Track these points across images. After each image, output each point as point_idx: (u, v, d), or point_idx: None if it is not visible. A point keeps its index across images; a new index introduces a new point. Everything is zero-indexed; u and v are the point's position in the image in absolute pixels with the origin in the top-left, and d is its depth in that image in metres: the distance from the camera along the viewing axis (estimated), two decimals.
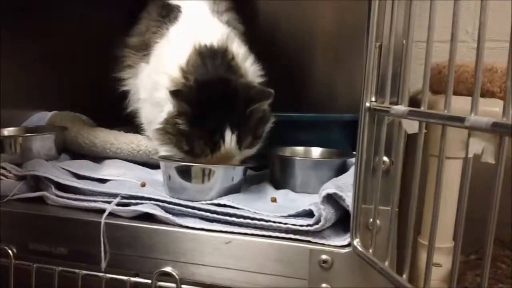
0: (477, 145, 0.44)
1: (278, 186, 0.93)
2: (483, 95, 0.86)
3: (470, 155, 0.45)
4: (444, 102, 0.49)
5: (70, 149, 1.11)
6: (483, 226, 0.43)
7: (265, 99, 0.86)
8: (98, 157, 1.08)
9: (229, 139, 0.83)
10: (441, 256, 0.78)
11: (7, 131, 1.11)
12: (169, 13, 0.98)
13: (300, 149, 1.03)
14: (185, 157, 0.86)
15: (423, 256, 0.82)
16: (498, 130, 0.41)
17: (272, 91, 0.86)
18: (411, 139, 0.56)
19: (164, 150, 0.89)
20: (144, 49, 1.02)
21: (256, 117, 0.87)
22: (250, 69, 0.95)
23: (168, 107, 0.86)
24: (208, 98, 0.83)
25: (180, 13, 0.98)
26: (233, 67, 0.91)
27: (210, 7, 1.02)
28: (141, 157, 1.04)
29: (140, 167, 1.04)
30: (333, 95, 1.33)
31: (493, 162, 0.42)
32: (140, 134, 1.07)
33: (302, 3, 1.33)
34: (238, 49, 0.94)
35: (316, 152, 1.02)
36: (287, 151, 1.01)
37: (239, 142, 0.85)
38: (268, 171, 0.98)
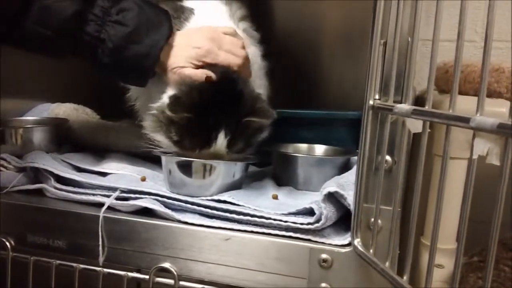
0: (482, 146, 0.43)
1: (280, 183, 0.92)
2: (490, 95, 0.85)
3: (475, 156, 0.44)
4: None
5: (71, 141, 1.10)
6: (487, 228, 0.42)
7: (265, 119, 0.85)
8: (99, 150, 1.07)
9: (221, 141, 0.82)
10: (443, 257, 0.77)
11: (9, 122, 1.10)
12: (181, 15, 0.97)
13: (303, 146, 1.02)
14: (171, 147, 0.85)
15: (425, 257, 0.81)
16: (503, 131, 0.40)
17: (274, 113, 0.85)
18: (416, 138, 0.55)
19: (153, 136, 0.88)
20: None
21: (253, 127, 0.85)
22: (257, 79, 0.95)
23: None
24: (211, 97, 0.81)
25: (192, 15, 0.96)
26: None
27: (228, 12, 1.00)
28: (142, 151, 1.03)
29: (142, 161, 1.03)
30: (341, 92, 1.32)
31: (498, 163, 0.41)
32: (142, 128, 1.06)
33: (310, 2, 1.32)
34: (250, 58, 0.92)
35: (319, 149, 1.02)
36: (291, 148, 1.01)
37: (230, 146, 0.83)
38: (271, 167, 0.97)
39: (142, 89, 0.94)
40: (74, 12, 0.78)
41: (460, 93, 0.85)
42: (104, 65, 0.81)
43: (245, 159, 0.88)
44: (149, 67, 0.83)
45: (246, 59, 0.88)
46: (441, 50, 0.53)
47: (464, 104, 0.50)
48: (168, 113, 0.80)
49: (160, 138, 0.85)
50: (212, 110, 0.81)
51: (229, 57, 0.85)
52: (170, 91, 0.84)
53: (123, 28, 0.80)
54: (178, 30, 0.91)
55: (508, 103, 0.79)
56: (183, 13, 0.96)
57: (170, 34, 0.84)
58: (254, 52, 0.97)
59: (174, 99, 0.81)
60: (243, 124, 0.83)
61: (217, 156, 0.83)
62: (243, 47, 0.89)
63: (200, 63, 0.83)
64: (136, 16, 0.81)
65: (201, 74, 0.82)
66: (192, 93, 0.81)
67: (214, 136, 0.81)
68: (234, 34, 0.89)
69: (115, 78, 0.89)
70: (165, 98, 0.84)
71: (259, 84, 0.95)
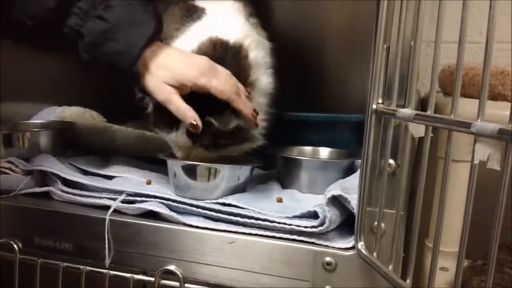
0: (483, 151, 0.43)
1: (284, 186, 0.92)
2: (494, 98, 0.85)
3: (476, 161, 0.44)
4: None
5: (78, 145, 1.11)
6: (491, 232, 0.42)
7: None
8: (105, 153, 1.08)
9: (182, 130, 0.81)
10: (448, 260, 0.77)
11: (16, 126, 1.11)
12: (193, 14, 0.96)
13: (308, 149, 1.02)
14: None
15: (430, 260, 0.81)
16: (504, 137, 0.40)
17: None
18: (421, 141, 0.56)
19: None
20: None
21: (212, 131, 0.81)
22: (262, 76, 0.93)
23: None
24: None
25: (204, 14, 0.96)
26: (244, 69, 0.87)
27: (240, 11, 1.00)
28: (147, 154, 1.04)
29: (147, 164, 1.03)
30: (345, 95, 1.32)
31: (499, 169, 0.41)
32: (148, 131, 1.06)
33: (314, 3, 1.32)
34: (256, 52, 0.91)
35: (324, 152, 1.02)
36: (295, 150, 1.01)
37: (195, 140, 0.82)
38: (275, 170, 0.98)
39: None
40: (58, 2, 0.76)
41: (465, 95, 0.86)
42: (85, 61, 0.79)
43: (250, 162, 0.88)
44: (127, 67, 0.78)
45: (240, 93, 0.82)
46: (447, 51, 0.53)
47: (468, 108, 0.50)
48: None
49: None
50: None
51: (221, 85, 0.78)
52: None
53: (102, 24, 0.77)
54: (190, 27, 0.91)
55: None
56: (196, 12, 0.96)
57: (155, 35, 0.80)
58: (262, 47, 0.95)
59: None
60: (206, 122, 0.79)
61: (182, 146, 0.84)
62: (236, 84, 0.83)
63: (190, 85, 0.78)
64: (118, 12, 0.78)
65: (189, 116, 0.77)
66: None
67: (176, 125, 0.81)
68: (230, 75, 0.82)
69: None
70: None
71: (265, 83, 0.95)
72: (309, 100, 1.29)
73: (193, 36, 0.90)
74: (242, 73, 0.86)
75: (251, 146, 0.88)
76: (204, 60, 0.80)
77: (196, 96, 0.78)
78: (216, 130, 0.80)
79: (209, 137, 0.81)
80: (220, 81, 0.78)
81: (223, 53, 0.85)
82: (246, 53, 0.88)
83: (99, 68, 0.83)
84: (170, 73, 0.78)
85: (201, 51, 0.85)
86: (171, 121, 0.80)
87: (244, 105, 0.80)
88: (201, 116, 0.77)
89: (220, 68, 0.80)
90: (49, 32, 0.79)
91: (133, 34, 0.78)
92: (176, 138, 0.82)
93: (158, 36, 0.81)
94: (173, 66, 0.79)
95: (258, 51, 0.92)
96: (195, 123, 0.76)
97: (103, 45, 0.77)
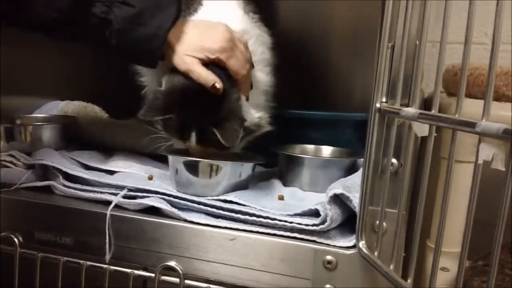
0: (487, 151, 0.43)
1: (286, 184, 0.92)
2: (498, 99, 0.85)
3: (480, 161, 0.44)
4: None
5: (80, 139, 1.11)
6: (493, 232, 0.42)
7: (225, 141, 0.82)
8: (107, 148, 1.08)
9: (194, 139, 0.83)
10: (449, 261, 0.77)
11: (18, 120, 1.11)
12: (190, 6, 0.96)
13: (310, 147, 1.02)
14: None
15: (431, 260, 0.80)
16: (509, 137, 0.39)
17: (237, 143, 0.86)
18: (425, 141, 0.55)
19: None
20: None
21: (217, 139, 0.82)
22: (261, 73, 0.94)
23: None
24: (188, 99, 0.81)
25: (201, 6, 0.96)
26: None
27: (240, 5, 1.00)
28: (149, 150, 1.04)
29: (149, 159, 1.03)
30: (348, 94, 1.31)
31: (503, 169, 0.41)
32: (149, 126, 1.06)
33: (319, 1, 1.32)
34: (254, 49, 0.92)
35: (326, 151, 1.02)
36: (297, 149, 1.01)
37: (202, 146, 0.84)
38: (277, 168, 0.98)
39: (153, 78, 0.94)
40: None
41: (469, 96, 0.85)
42: (112, 47, 0.80)
43: (252, 159, 0.88)
44: (156, 49, 0.81)
45: (249, 74, 0.88)
46: (451, 52, 0.52)
47: (472, 108, 0.50)
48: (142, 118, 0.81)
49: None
50: (187, 112, 0.81)
51: (237, 65, 0.84)
52: (164, 81, 0.84)
53: (129, 9, 0.79)
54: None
55: None
56: (192, 5, 0.96)
57: (178, 15, 0.82)
58: (261, 44, 0.96)
59: (147, 107, 0.82)
60: (213, 132, 0.81)
61: (196, 150, 0.84)
62: (250, 61, 0.88)
63: (212, 57, 0.82)
64: None
65: (211, 79, 0.80)
66: (168, 97, 0.81)
67: (187, 135, 0.82)
68: (246, 46, 0.88)
69: (123, 59, 0.88)
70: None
71: (263, 80, 0.95)
72: (312, 98, 1.29)
73: None
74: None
75: (261, 132, 0.89)
76: (224, 34, 0.83)
77: (204, 106, 0.81)
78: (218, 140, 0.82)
79: (217, 142, 0.82)
80: (237, 62, 0.84)
81: None
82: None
83: (123, 55, 0.85)
84: (191, 47, 0.82)
85: None
86: (182, 131, 0.82)
87: (245, 90, 0.87)
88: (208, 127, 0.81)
89: (238, 43, 0.85)
90: (71, 22, 0.80)
91: (159, 16, 0.80)
92: (189, 146, 0.84)
93: (179, 15, 0.84)
94: (194, 40, 0.83)
95: (257, 47, 0.93)
96: (217, 85, 0.79)
97: (132, 31, 0.79)
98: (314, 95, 1.30)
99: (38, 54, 1.21)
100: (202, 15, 0.94)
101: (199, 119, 0.81)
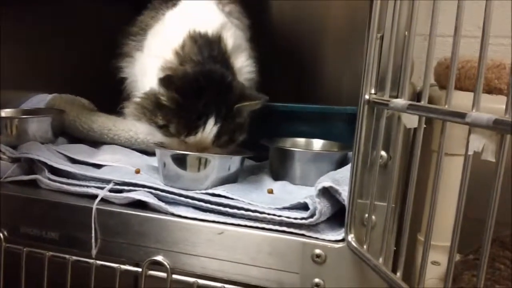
0: (477, 143, 0.42)
1: (277, 177, 0.91)
2: (490, 91, 0.84)
3: (470, 152, 0.43)
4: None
5: (67, 133, 1.10)
6: (484, 226, 0.41)
7: (256, 100, 0.85)
8: (95, 142, 1.07)
9: (210, 128, 0.81)
10: (440, 254, 0.77)
11: (4, 113, 1.10)
12: (168, 1, 0.97)
13: (301, 140, 1.01)
14: (154, 133, 0.85)
15: (421, 254, 0.80)
16: (499, 127, 0.39)
17: (264, 96, 0.86)
18: (415, 134, 0.55)
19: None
20: (142, 35, 1.01)
21: (238, 121, 0.85)
22: (241, 62, 0.96)
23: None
24: (201, 86, 0.81)
25: (178, 1, 0.97)
26: (226, 59, 0.91)
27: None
28: (138, 144, 1.03)
29: (138, 153, 1.02)
30: (339, 87, 1.31)
31: (493, 160, 0.40)
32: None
33: None
34: (233, 41, 0.93)
35: (317, 144, 1.01)
36: (288, 142, 1.00)
37: (217, 135, 0.83)
38: (268, 162, 0.97)
39: (135, 74, 0.93)
40: None
41: (461, 89, 0.85)
42: None
43: (241, 152, 0.87)
44: None
45: None
46: (443, 45, 0.52)
47: (463, 100, 0.50)
48: (160, 90, 0.80)
49: (141, 126, 0.84)
50: (203, 96, 0.81)
51: None
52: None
53: None
54: (164, 14, 0.95)
55: None
56: (171, 0, 0.97)
57: None
58: (238, 35, 0.98)
59: (167, 77, 0.80)
60: (234, 111, 0.83)
61: (200, 147, 0.83)
62: None
63: None
64: None
65: None
66: (184, 76, 0.81)
67: (203, 122, 0.81)
68: None
69: None
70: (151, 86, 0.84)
71: (246, 69, 0.97)
72: (303, 91, 1.28)
73: (171, 29, 0.94)
74: (226, 62, 0.89)
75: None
76: None
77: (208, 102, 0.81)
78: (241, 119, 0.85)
79: (230, 130, 0.84)
80: None
81: (205, 46, 0.89)
82: (225, 43, 0.92)
83: None
84: None
85: (185, 49, 0.89)
86: (197, 119, 0.81)
87: None
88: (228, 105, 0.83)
89: None
90: None
91: None
92: (201, 138, 0.82)
93: None
94: None
95: (235, 39, 0.95)
96: None
97: None
98: (305, 88, 1.30)
99: (26, 48, 1.19)
100: (179, 10, 0.94)
101: (218, 99, 0.82)
